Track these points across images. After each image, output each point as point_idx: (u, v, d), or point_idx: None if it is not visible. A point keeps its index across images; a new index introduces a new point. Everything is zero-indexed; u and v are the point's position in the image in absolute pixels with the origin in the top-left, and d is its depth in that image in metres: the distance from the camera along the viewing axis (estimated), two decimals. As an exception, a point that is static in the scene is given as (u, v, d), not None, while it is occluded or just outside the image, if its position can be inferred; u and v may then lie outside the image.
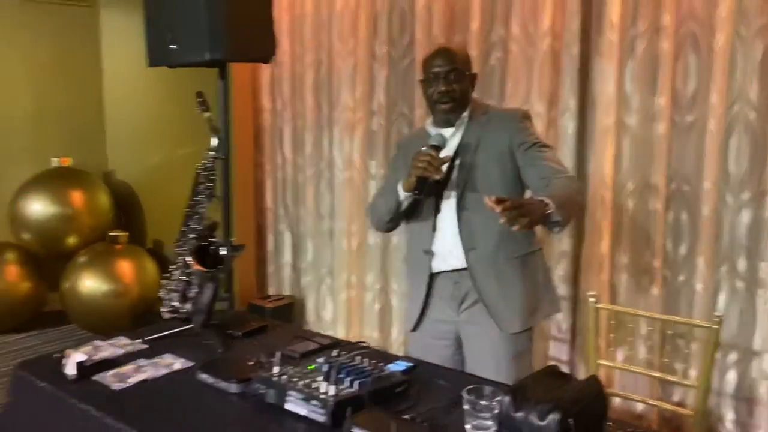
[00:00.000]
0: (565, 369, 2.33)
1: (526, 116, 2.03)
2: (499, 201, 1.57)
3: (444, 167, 1.90)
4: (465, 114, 2.00)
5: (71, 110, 4.63)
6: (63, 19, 4.58)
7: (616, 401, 2.56)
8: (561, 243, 2.83)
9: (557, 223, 1.70)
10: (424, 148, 1.90)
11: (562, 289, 2.81)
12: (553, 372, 1.46)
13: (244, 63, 3.63)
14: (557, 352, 2.90)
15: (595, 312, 2.14)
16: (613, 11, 2.60)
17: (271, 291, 4.10)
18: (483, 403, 1.33)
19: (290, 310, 3.89)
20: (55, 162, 4.33)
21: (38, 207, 4.13)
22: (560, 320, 2.86)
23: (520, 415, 1.28)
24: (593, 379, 1.41)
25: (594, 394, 1.36)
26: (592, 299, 2.16)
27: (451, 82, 1.95)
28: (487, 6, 2.98)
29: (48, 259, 4.24)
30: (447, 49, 2.02)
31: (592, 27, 2.70)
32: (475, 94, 2.08)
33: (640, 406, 2.64)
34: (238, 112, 3.85)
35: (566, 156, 2.76)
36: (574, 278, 2.85)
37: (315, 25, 3.68)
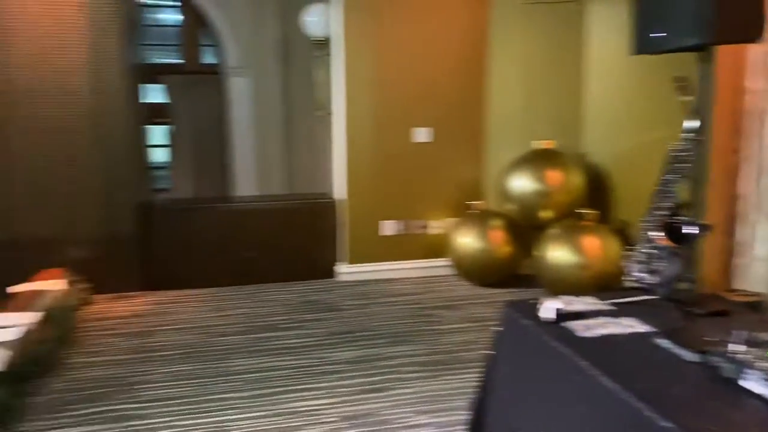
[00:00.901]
0: None
1: None
2: None
3: None
4: None
5: (554, 99, 5.17)
6: (553, 17, 5.11)
7: None
8: None
9: None
10: None
11: None
12: None
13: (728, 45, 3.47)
14: None
15: None
16: None
17: (738, 285, 3.84)
18: None
19: (758, 309, 3.58)
20: (537, 144, 4.94)
21: (521, 183, 4.79)
22: None
23: None
24: None
25: None
26: None
27: None
28: None
29: (525, 228, 4.88)
30: None
31: None
32: None
33: None
34: (717, 94, 3.69)
35: None
36: None
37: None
